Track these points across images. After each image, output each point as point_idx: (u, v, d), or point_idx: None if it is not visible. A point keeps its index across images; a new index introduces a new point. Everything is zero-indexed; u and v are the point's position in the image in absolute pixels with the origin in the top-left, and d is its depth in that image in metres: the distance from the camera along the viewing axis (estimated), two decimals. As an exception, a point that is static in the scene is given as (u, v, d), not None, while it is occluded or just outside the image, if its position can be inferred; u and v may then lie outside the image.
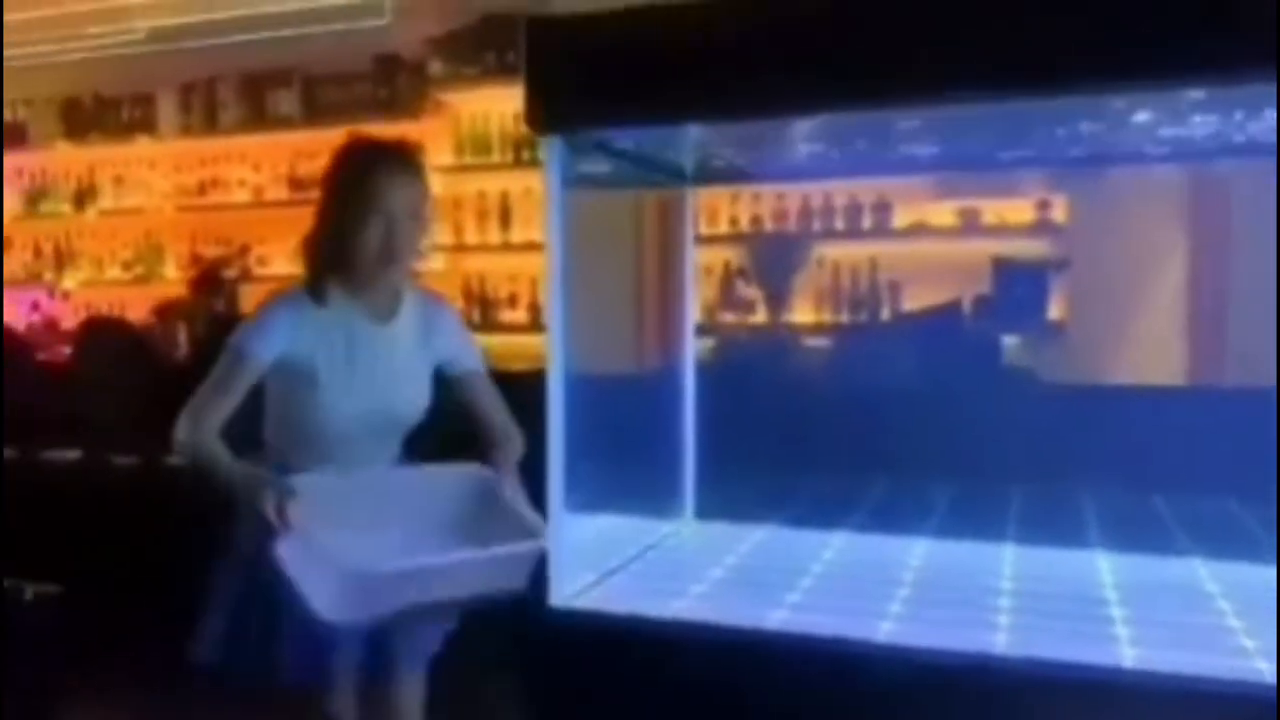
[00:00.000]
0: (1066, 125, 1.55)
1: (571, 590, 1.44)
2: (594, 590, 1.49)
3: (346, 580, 1.35)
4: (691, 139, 1.59)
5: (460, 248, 4.96)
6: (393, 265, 1.57)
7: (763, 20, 1.30)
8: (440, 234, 4.97)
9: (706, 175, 1.88)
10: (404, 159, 1.58)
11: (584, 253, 1.58)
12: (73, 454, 3.49)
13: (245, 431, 1.71)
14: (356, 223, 1.55)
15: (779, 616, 1.39)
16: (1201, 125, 1.49)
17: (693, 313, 2.06)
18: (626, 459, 2.12)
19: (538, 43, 1.35)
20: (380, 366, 1.60)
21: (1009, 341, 4.07)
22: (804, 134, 1.56)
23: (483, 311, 4.91)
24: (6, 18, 4.96)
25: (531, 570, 1.41)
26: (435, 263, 5.03)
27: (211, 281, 4.54)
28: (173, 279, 5.25)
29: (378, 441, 1.63)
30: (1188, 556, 1.72)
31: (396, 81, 4.98)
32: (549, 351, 1.42)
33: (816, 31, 1.28)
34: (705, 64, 1.30)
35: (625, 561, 1.64)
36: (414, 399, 1.63)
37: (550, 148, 1.41)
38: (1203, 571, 1.63)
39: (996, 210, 4.33)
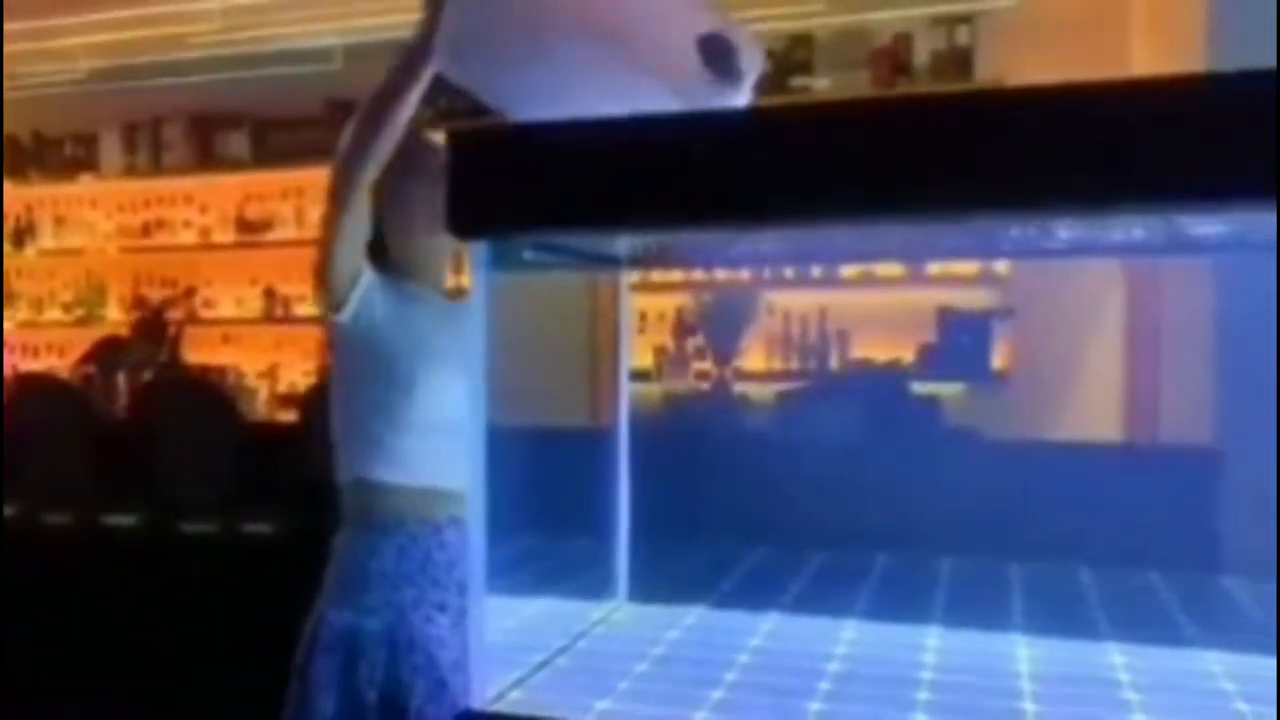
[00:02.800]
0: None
1: (492, 691, 1.44)
2: (516, 690, 1.49)
3: None
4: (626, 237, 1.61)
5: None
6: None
7: (687, 134, 1.32)
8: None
9: (643, 262, 1.91)
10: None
11: (531, 321, 1.60)
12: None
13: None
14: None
15: (700, 718, 1.40)
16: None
17: (626, 387, 2.07)
18: (558, 533, 2.13)
19: (460, 152, 1.36)
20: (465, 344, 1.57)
21: (952, 390, 4.15)
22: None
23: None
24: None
25: None
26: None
27: (156, 328, 4.48)
28: (115, 321, 5.17)
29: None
30: (1105, 640, 1.75)
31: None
32: (470, 453, 1.42)
33: (739, 145, 1.31)
34: (628, 176, 1.33)
35: (552, 655, 1.64)
36: None
37: (476, 251, 1.41)
38: (1118, 658, 1.67)
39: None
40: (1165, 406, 3.96)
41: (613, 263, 1.89)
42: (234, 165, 5.02)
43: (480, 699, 1.42)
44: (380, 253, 1.61)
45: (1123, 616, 1.90)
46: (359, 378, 1.52)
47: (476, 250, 1.44)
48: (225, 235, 5.09)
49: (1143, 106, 1.16)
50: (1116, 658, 1.66)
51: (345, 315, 1.50)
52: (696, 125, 1.35)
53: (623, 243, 1.81)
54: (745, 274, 4.54)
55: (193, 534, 3.26)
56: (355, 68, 4.83)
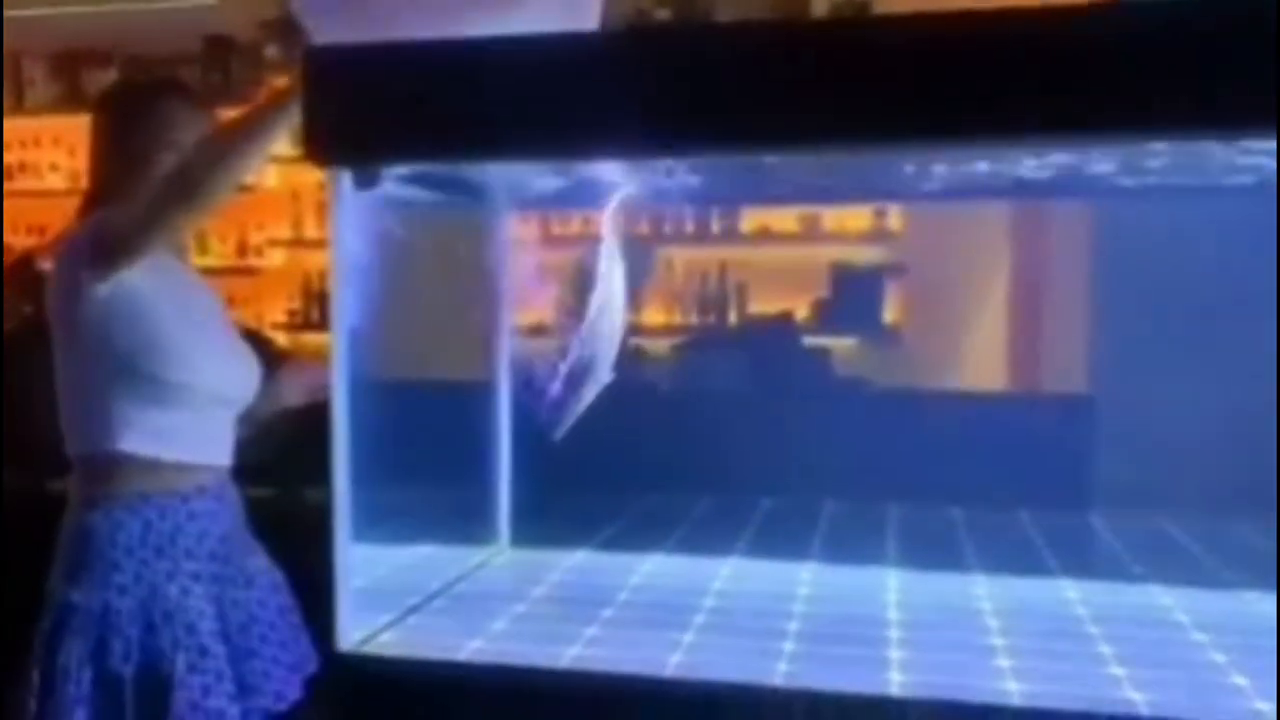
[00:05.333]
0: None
1: (361, 634, 1.40)
2: (387, 633, 1.46)
3: None
4: (505, 169, 1.56)
5: (299, 242, 4.78)
6: None
7: (563, 57, 1.28)
8: (278, 228, 4.77)
9: (526, 203, 1.87)
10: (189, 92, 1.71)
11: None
12: None
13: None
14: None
15: (572, 653, 1.40)
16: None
17: (508, 322, 2.04)
18: (438, 480, 2.09)
19: (319, 72, 1.29)
20: (216, 312, 1.60)
21: (846, 344, 4.23)
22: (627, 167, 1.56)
23: (322, 309, 4.75)
24: None
25: None
26: (273, 258, 4.84)
27: (25, 277, 4.20)
28: (-25, 271, 4.84)
29: (237, 408, 1.58)
30: (971, 573, 1.82)
31: (229, 65, 4.74)
32: (335, 400, 1.37)
33: (614, 67, 1.28)
34: (499, 100, 1.28)
35: (427, 598, 1.61)
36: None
37: (336, 181, 1.35)
38: (981, 589, 1.73)
39: (837, 217, 4.49)
40: (1045, 358, 4.13)
41: (494, 202, 1.84)
42: (106, 106, 4.76)
43: (348, 642, 1.39)
44: None
45: (990, 551, 1.97)
46: (109, 349, 1.46)
47: (337, 180, 1.38)
48: (98, 180, 4.82)
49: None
50: (980, 589, 1.72)
51: (107, 286, 1.43)
52: (578, 46, 1.31)
53: (505, 182, 1.77)
54: (644, 228, 4.51)
55: (60, 493, 3.10)
56: (235, 3, 4.59)
